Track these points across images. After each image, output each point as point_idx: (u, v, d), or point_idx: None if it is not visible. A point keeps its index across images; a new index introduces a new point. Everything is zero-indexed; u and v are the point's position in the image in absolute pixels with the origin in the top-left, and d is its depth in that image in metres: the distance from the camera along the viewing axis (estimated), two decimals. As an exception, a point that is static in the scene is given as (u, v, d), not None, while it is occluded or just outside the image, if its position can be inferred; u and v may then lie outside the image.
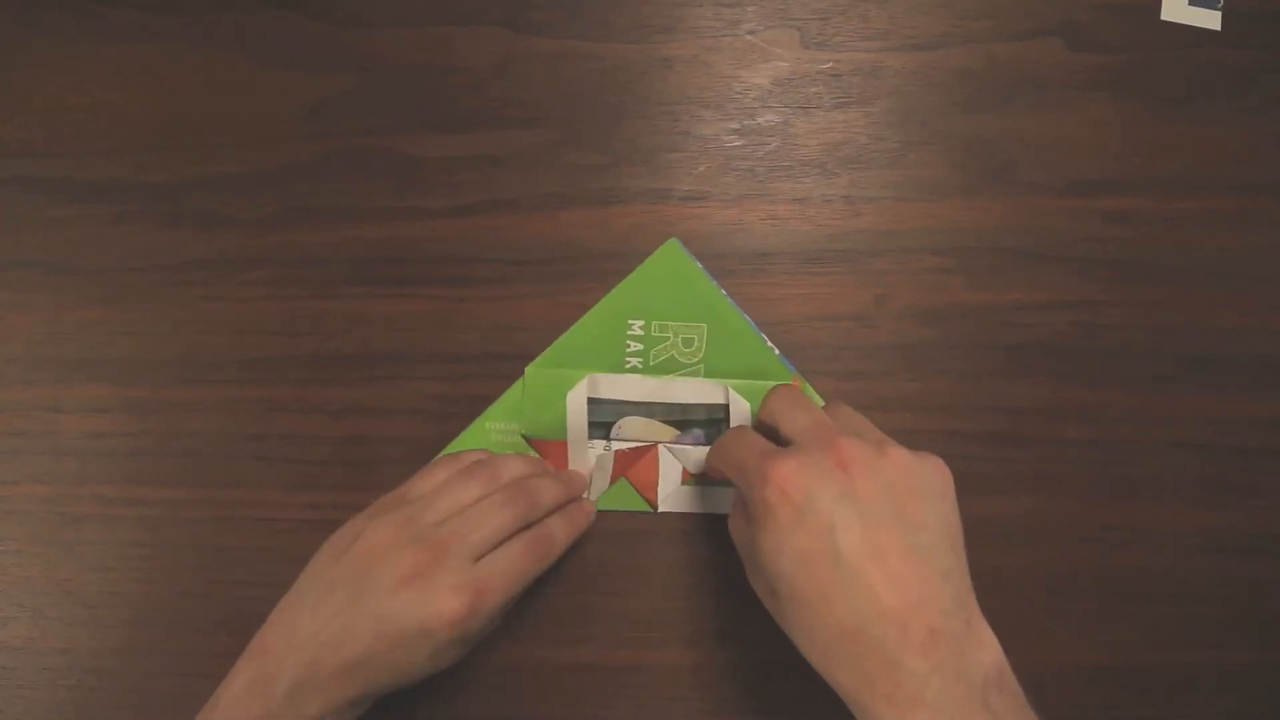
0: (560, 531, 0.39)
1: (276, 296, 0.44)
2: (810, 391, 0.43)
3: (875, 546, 0.30)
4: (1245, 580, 0.43)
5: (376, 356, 0.44)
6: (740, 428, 0.38)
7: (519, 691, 0.43)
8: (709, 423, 0.43)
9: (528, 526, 0.38)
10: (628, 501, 0.43)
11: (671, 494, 0.43)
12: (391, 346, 0.44)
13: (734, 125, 0.45)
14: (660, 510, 0.43)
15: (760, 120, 0.45)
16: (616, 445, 0.43)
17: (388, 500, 0.39)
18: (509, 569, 0.37)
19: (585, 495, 0.43)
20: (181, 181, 0.45)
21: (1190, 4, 0.46)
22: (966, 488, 0.43)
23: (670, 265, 0.44)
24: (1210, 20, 0.46)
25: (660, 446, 0.43)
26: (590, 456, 0.43)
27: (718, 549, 0.43)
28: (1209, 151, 0.45)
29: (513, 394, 0.43)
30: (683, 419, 0.43)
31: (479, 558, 0.36)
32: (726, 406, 0.43)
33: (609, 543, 0.43)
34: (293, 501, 0.43)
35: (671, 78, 0.45)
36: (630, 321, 0.44)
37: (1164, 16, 0.46)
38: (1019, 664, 0.43)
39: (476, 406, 0.43)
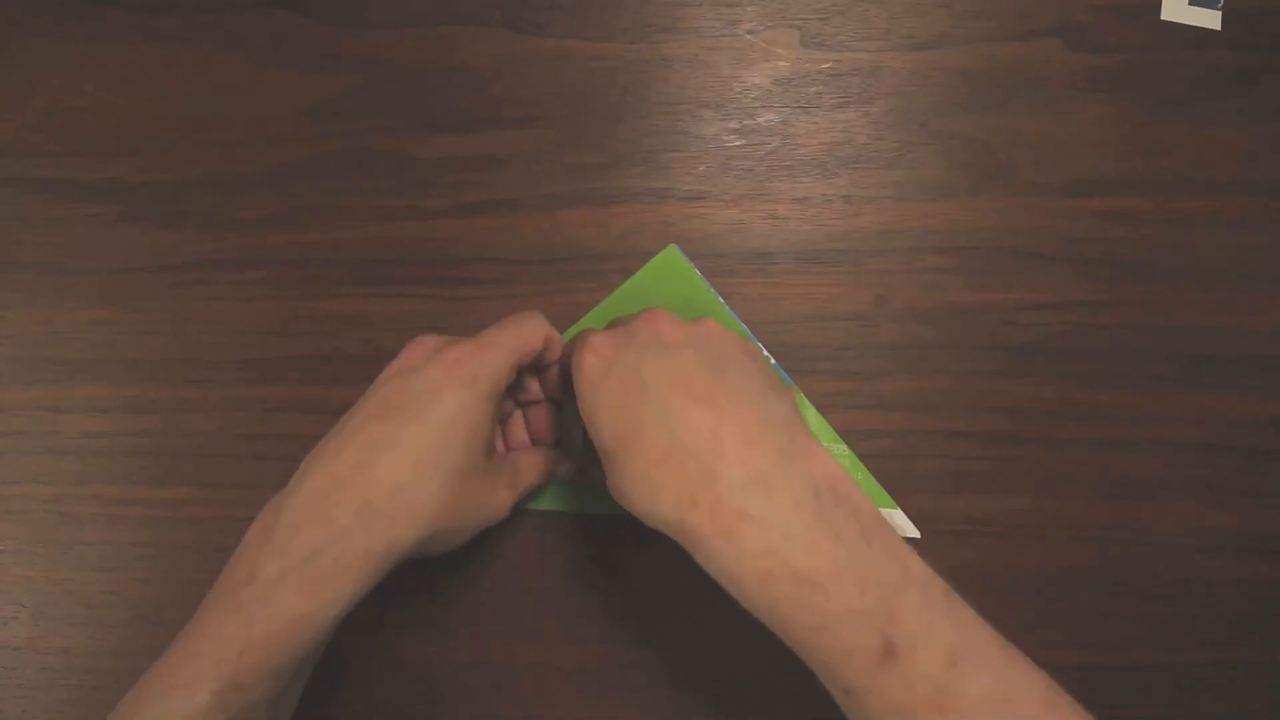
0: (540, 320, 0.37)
1: (276, 296, 0.44)
2: (804, 403, 0.43)
3: (678, 375, 0.31)
4: (1245, 580, 0.43)
5: (376, 356, 0.44)
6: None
7: (519, 691, 0.43)
8: None
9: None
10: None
11: None
12: (391, 346, 0.44)
13: (734, 125, 0.45)
14: None
15: (760, 120, 0.45)
16: None
17: None
18: (500, 328, 0.36)
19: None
20: (182, 181, 0.45)
21: (1190, 4, 0.46)
22: (967, 487, 0.43)
23: (669, 271, 0.44)
24: (1210, 20, 0.46)
25: None
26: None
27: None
28: (1209, 151, 0.45)
29: None
30: None
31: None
32: None
33: (608, 542, 0.43)
34: (293, 501, 0.43)
35: (671, 77, 0.45)
36: None
37: (1164, 16, 0.46)
38: (1019, 664, 0.43)
39: (476, 406, 0.43)
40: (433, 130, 0.45)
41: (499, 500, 0.37)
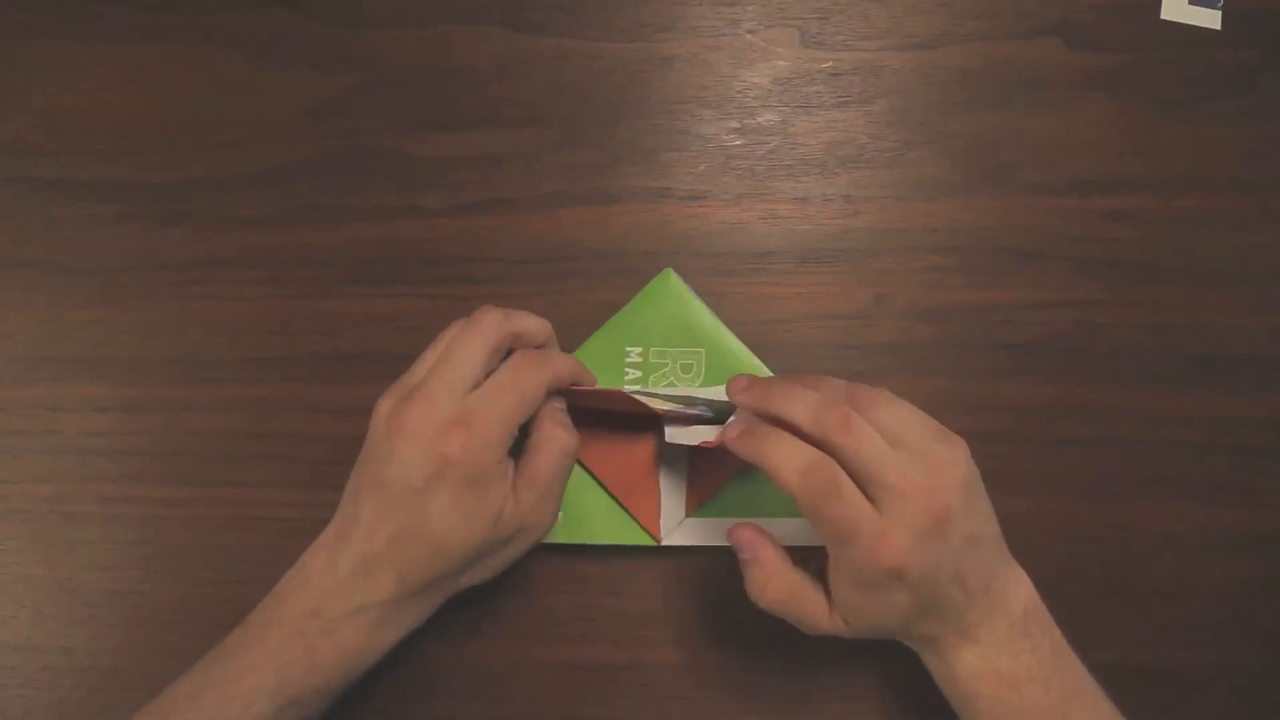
0: (547, 357, 0.38)
1: (276, 296, 0.44)
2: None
3: (954, 573, 0.34)
4: (1245, 580, 0.43)
5: (376, 356, 0.44)
6: (827, 475, 0.33)
7: (519, 691, 0.43)
8: (713, 402, 0.40)
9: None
10: (629, 535, 0.42)
11: (676, 527, 0.42)
12: (391, 346, 0.44)
13: (734, 124, 0.45)
14: (664, 544, 0.42)
15: (760, 119, 0.45)
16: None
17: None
18: (499, 387, 0.35)
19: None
20: (181, 181, 0.45)
21: (1190, 3, 0.46)
22: (966, 487, 0.43)
23: (666, 294, 0.43)
24: (1210, 19, 0.46)
25: (660, 477, 0.42)
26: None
27: (716, 548, 0.43)
28: (1209, 151, 0.45)
29: None
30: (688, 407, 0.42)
31: (470, 390, 0.35)
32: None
33: (610, 548, 0.43)
34: (293, 501, 0.43)
35: (671, 77, 0.45)
36: (628, 349, 0.43)
37: (1164, 15, 0.46)
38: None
39: (476, 406, 0.43)
40: (432, 130, 0.45)
41: (524, 504, 0.36)
